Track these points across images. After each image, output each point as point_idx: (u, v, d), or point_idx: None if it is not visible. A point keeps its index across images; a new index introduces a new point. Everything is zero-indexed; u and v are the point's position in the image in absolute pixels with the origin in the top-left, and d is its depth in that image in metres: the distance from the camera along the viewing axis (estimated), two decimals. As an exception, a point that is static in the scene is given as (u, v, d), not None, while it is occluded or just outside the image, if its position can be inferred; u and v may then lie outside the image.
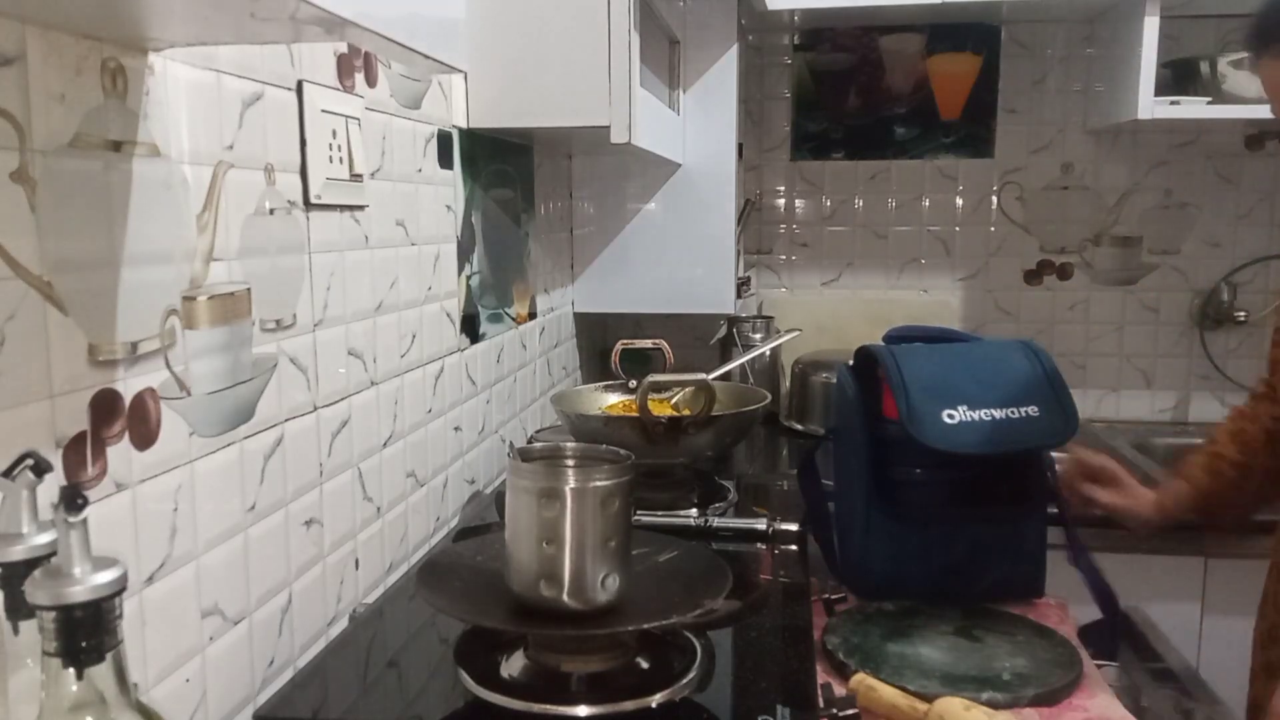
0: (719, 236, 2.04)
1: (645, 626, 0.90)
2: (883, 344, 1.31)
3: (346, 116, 1.09)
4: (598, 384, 1.59)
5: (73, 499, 0.51)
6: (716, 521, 1.28)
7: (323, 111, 1.04)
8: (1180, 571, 1.77)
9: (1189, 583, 1.77)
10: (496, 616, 0.89)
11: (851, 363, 1.34)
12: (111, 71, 0.74)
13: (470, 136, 1.46)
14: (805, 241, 2.58)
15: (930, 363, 1.26)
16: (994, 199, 2.49)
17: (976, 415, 1.21)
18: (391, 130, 1.21)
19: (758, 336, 2.28)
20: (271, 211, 0.96)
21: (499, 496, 1.18)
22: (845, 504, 1.32)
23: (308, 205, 1.02)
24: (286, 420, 0.99)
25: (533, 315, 1.81)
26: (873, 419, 1.28)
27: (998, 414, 1.21)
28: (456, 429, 1.44)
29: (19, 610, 0.56)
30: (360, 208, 1.13)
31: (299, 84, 1.00)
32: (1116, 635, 1.26)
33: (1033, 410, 1.23)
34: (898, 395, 1.22)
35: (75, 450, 0.71)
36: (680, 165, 2.01)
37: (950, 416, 1.21)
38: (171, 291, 0.81)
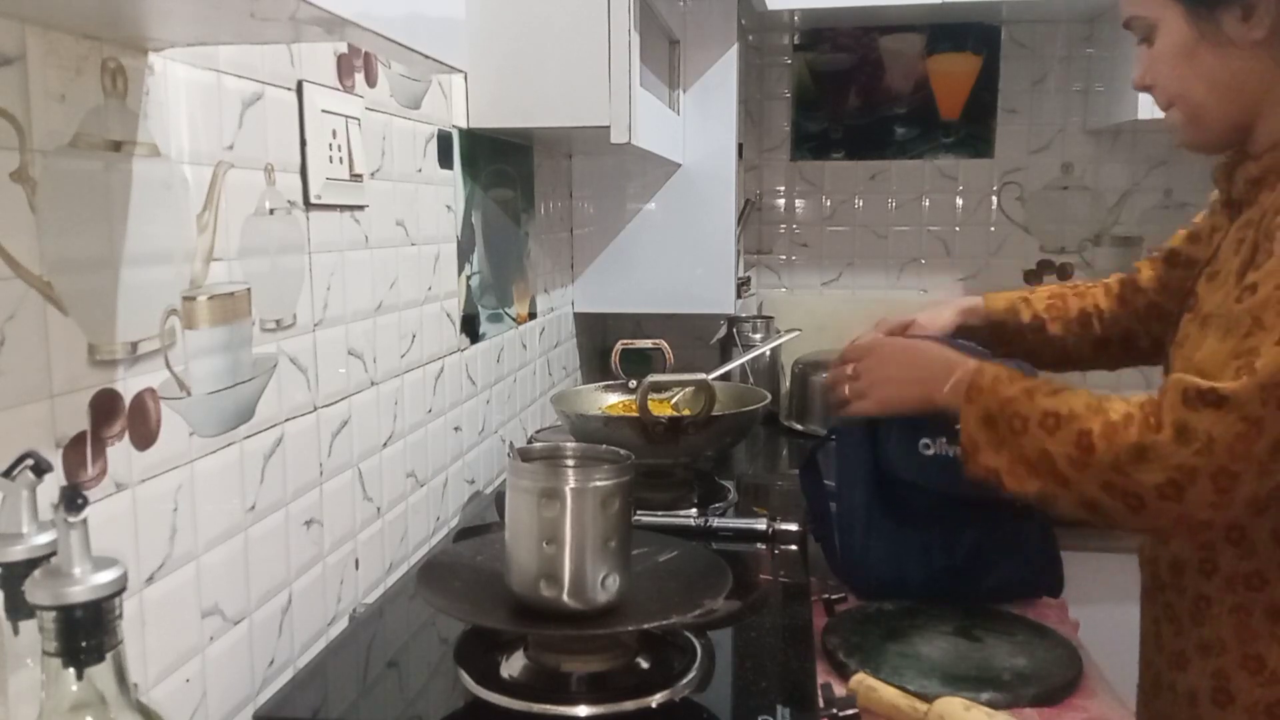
0: (719, 236, 2.03)
1: (645, 626, 0.90)
2: None
3: (346, 116, 1.09)
4: (598, 384, 1.59)
5: (73, 499, 0.51)
6: (716, 521, 1.28)
7: (323, 111, 1.04)
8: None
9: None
10: (496, 616, 0.89)
11: None
12: (111, 71, 0.74)
13: (470, 136, 1.46)
14: (805, 241, 2.58)
15: None
16: (994, 199, 2.50)
17: (953, 451, 1.18)
18: (391, 130, 1.21)
19: (758, 336, 2.28)
20: (271, 211, 0.96)
21: (499, 496, 1.18)
22: (846, 504, 1.32)
23: (308, 205, 1.02)
24: (286, 420, 0.99)
25: (533, 315, 1.81)
26: (873, 419, 1.28)
27: None
28: (456, 429, 1.44)
29: (19, 610, 0.56)
30: (360, 208, 1.13)
31: (299, 84, 1.00)
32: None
33: None
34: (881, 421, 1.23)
35: (75, 450, 0.71)
36: (680, 165, 2.01)
37: (926, 447, 1.22)
38: (171, 291, 0.81)
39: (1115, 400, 0.99)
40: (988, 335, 1.39)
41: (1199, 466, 0.92)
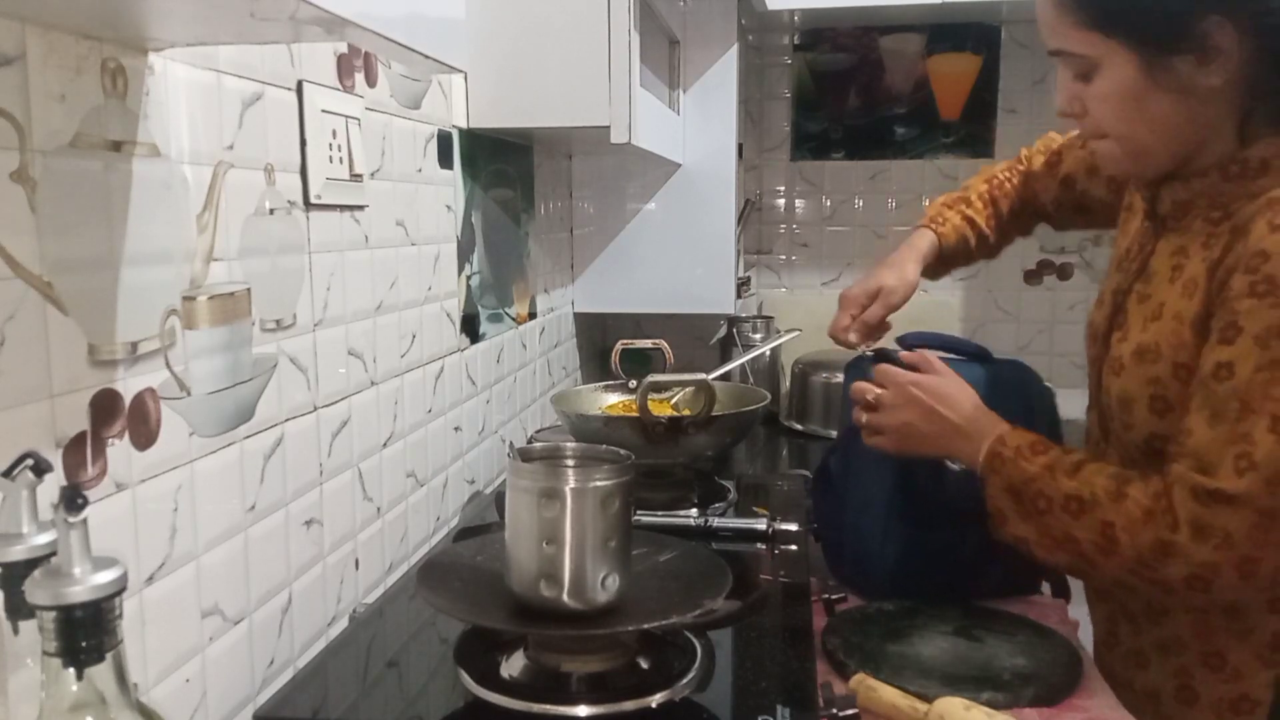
0: (719, 236, 2.04)
1: (645, 626, 0.90)
2: (900, 349, 1.29)
3: (346, 116, 1.09)
4: (598, 384, 1.58)
5: (73, 499, 0.51)
6: (716, 521, 1.27)
7: (323, 111, 1.04)
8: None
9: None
10: (496, 616, 0.89)
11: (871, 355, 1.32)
12: (111, 71, 0.74)
13: (470, 136, 1.46)
14: (805, 241, 2.59)
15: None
16: (994, 199, 2.49)
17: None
18: (391, 130, 1.21)
19: (758, 336, 2.28)
20: (271, 211, 0.96)
21: (499, 496, 1.18)
22: (860, 506, 1.31)
23: (308, 205, 1.02)
24: (286, 420, 0.99)
25: (533, 315, 1.81)
26: None
27: None
28: (456, 429, 1.44)
29: (19, 610, 0.56)
30: (360, 208, 1.13)
31: (299, 84, 1.00)
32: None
33: None
34: None
35: (75, 450, 0.71)
36: (680, 165, 2.01)
37: (954, 462, 1.21)
38: (171, 291, 0.81)
39: (1135, 486, 1.00)
40: (942, 265, 1.44)
41: (1220, 561, 0.94)
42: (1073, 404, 1.35)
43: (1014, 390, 1.27)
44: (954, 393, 1.16)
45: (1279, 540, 0.93)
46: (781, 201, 2.59)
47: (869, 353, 1.32)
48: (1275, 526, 0.93)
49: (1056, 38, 1.05)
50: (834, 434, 1.99)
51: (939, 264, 1.44)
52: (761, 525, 1.27)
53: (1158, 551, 0.96)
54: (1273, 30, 0.96)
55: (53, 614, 0.50)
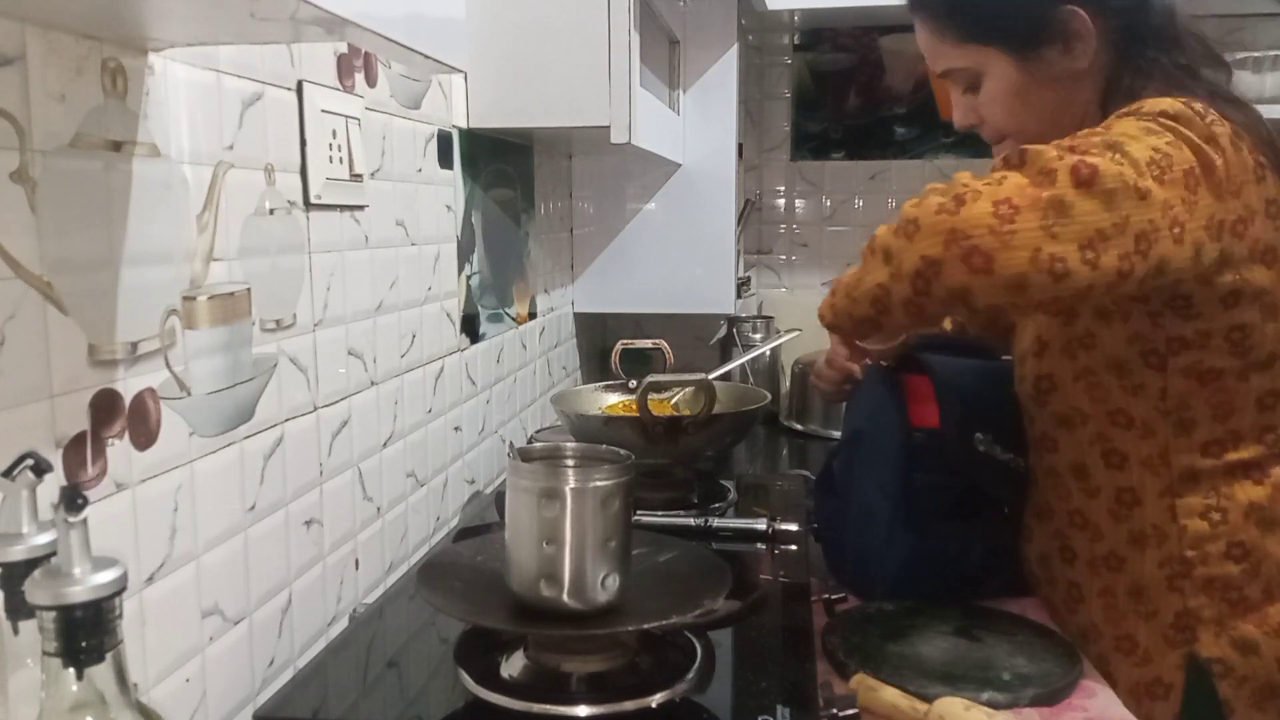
0: (719, 236, 2.04)
1: (645, 626, 0.90)
2: (926, 354, 1.30)
3: (346, 116, 1.09)
4: (598, 384, 1.58)
5: (73, 499, 0.51)
6: (716, 521, 1.27)
7: (323, 111, 1.04)
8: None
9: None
10: (496, 616, 0.89)
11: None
12: (111, 71, 0.74)
13: (470, 136, 1.46)
14: (805, 241, 2.59)
15: (967, 379, 1.26)
16: (994, 199, 2.49)
17: (1000, 452, 1.21)
18: (391, 130, 1.21)
19: (758, 336, 2.28)
20: (271, 211, 0.96)
21: (499, 496, 1.18)
22: (865, 509, 1.31)
23: (308, 205, 1.02)
24: (286, 420, 0.99)
25: (533, 315, 1.81)
26: (906, 426, 1.27)
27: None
28: (456, 429, 1.44)
29: (19, 610, 0.56)
30: (360, 208, 1.13)
31: (299, 84, 1.00)
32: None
33: None
34: (945, 412, 1.22)
35: (75, 450, 0.71)
36: (680, 165, 2.01)
37: (980, 443, 1.21)
38: (171, 291, 0.81)
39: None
40: None
41: (983, 190, 0.91)
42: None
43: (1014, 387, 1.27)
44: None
45: (1040, 212, 0.88)
46: (781, 201, 2.59)
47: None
48: (1044, 188, 0.89)
49: (941, 59, 1.16)
50: (835, 434, 2.00)
51: None
52: (761, 525, 1.27)
53: (950, 187, 0.94)
54: (1118, 11, 1.08)
55: (53, 614, 0.50)
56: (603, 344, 2.30)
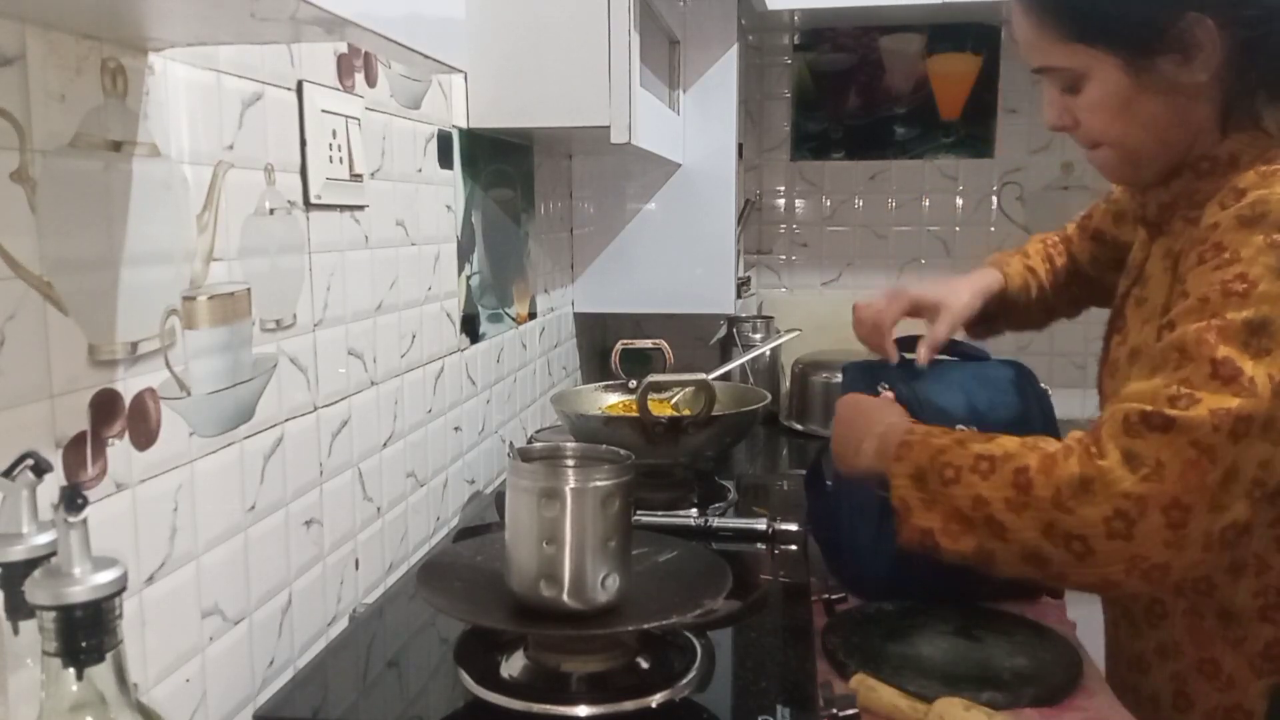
0: (719, 236, 2.03)
1: (645, 626, 0.90)
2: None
3: (346, 116, 1.09)
4: (598, 384, 1.59)
5: (73, 499, 0.51)
6: (716, 521, 1.27)
7: (323, 111, 1.04)
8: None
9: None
10: (496, 616, 0.89)
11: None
12: (111, 71, 0.74)
13: (470, 136, 1.46)
14: (805, 241, 2.58)
15: (939, 384, 1.26)
16: (994, 199, 2.49)
17: None
18: (391, 130, 1.21)
19: (758, 336, 2.28)
20: (271, 211, 0.96)
21: (499, 496, 1.18)
22: (855, 506, 1.31)
23: (308, 205, 1.02)
24: (286, 420, 0.99)
25: (533, 315, 1.81)
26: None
27: None
28: (456, 429, 1.44)
29: (19, 610, 0.56)
30: (360, 208, 1.13)
31: (299, 84, 1.00)
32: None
33: None
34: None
35: (75, 450, 0.71)
36: (680, 165, 2.01)
37: None
38: (171, 291, 0.81)
39: (1050, 440, 0.95)
40: (1002, 312, 1.37)
41: (1148, 495, 0.85)
42: (1070, 404, 1.35)
43: (1011, 390, 1.27)
44: (866, 405, 1.16)
45: (1212, 491, 0.85)
46: (781, 201, 2.59)
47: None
48: (1211, 469, 0.84)
49: (1040, 55, 1.05)
50: (834, 434, 2.00)
51: (1000, 306, 1.36)
52: (761, 525, 1.27)
53: (1077, 488, 0.88)
54: (1248, 22, 0.96)
55: (53, 614, 0.50)
56: (603, 344, 2.30)
